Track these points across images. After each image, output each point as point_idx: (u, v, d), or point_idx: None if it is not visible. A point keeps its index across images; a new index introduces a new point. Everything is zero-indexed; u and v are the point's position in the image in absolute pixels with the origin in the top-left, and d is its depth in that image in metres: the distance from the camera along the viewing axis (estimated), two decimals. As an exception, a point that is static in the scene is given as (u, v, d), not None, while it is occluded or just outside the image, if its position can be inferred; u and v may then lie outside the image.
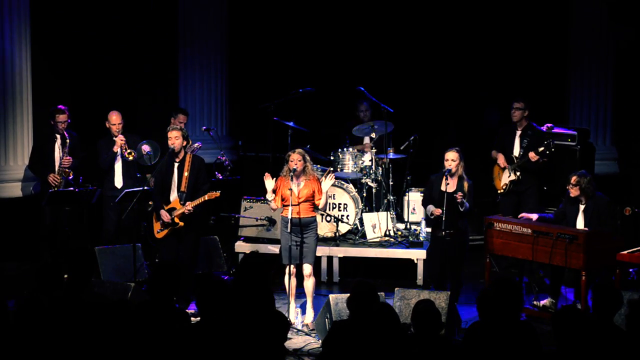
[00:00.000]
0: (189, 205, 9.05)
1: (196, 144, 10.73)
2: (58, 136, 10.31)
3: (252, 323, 5.98)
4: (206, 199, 9.05)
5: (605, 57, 11.96)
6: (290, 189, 8.66)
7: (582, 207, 9.00)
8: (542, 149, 10.10)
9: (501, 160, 10.44)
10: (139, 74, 12.53)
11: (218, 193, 9.05)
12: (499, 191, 10.54)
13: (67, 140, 10.23)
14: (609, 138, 12.11)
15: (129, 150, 10.26)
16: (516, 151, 10.42)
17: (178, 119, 10.67)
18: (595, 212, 8.92)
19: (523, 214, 9.33)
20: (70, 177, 10.24)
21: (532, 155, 10.14)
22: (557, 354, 5.60)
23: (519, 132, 10.44)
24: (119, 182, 10.36)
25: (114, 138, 10.32)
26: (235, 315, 6.09)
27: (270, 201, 8.88)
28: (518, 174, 10.34)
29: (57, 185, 10.17)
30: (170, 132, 9.16)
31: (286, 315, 8.64)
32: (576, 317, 5.62)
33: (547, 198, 10.72)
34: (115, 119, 10.35)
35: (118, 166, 10.38)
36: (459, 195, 8.70)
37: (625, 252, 8.60)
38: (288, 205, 8.63)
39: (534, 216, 9.19)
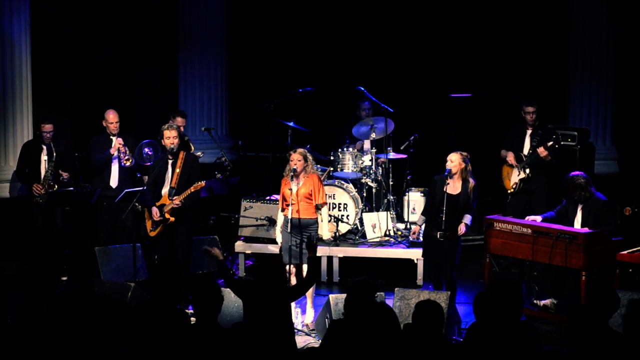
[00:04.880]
0: (177, 200, 9.04)
1: (198, 153, 10.63)
2: (44, 147, 10.17)
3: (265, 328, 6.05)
4: (192, 190, 9.02)
5: (605, 57, 11.95)
6: (290, 189, 8.67)
7: (580, 206, 9.00)
8: (551, 143, 10.09)
9: (511, 158, 10.39)
10: (139, 74, 12.54)
11: (203, 183, 9.04)
12: (509, 191, 10.49)
13: (54, 154, 10.11)
14: (609, 138, 12.10)
15: (127, 157, 10.17)
16: (526, 150, 10.38)
17: (176, 121, 10.54)
18: (593, 212, 8.92)
19: (529, 217, 9.28)
20: (55, 189, 10.09)
21: (540, 150, 10.12)
22: (572, 354, 5.60)
23: (529, 132, 10.41)
24: (114, 181, 10.27)
25: (112, 137, 10.26)
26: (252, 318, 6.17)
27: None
28: (528, 171, 10.32)
29: (40, 195, 10.06)
30: (166, 130, 9.13)
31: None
32: (593, 317, 5.62)
33: (557, 199, 10.70)
34: (112, 118, 10.25)
35: (115, 166, 10.29)
36: (461, 230, 8.70)
37: (625, 252, 8.60)
38: (289, 205, 8.65)
39: (538, 218, 9.18)
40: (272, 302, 6.46)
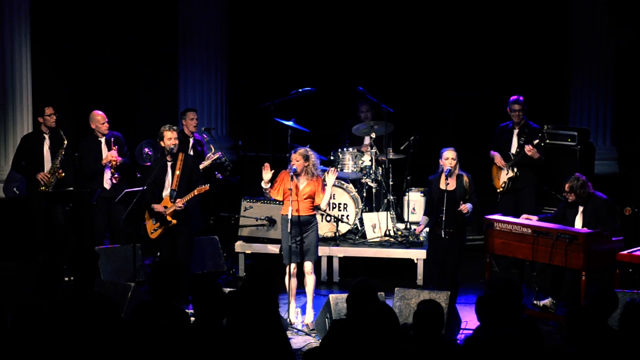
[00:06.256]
0: (180, 202, 9.02)
1: (218, 153, 10.60)
2: (46, 136, 10.16)
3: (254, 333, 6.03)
4: (196, 193, 9.01)
5: (605, 57, 11.95)
6: (290, 189, 8.66)
7: (580, 208, 9.00)
8: (537, 141, 10.13)
9: (498, 159, 10.47)
10: (139, 73, 12.54)
11: (207, 186, 9.02)
12: (498, 190, 10.56)
13: (65, 141, 10.09)
14: (609, 138, 12.10)
15: (116, 175, 10.13)
16: (514, 149, 10.44)
17: (188, 116, 10.60)
18: (594, 212, 8.93)
19: (524, 216, 9.32)
20: (62, 177, 10.08)
21: (528, 149, 10.17)
22: (575, 355, 5.59)
23: (516, 131, 10.46)
24: (107, 183, 10.25)
25: (100, 138, 10.20)
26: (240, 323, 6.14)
27: (265, 189, 8.86)
28: (515, 170, 10.36)
29: (47, 183, 10.03)
30: (167, 131, 9.09)
31: (286, 315, 8.66)
32: (591, 318, 5.62)
33: (545, 197, 10.74)
34: (101, 119, 10.18)
35: (108, 171, 10.22)
36: (464, 208, 8.75)
37: (625, 252, 8.60)
38: (288, 202, 8.63)
39: (534, 218, 9.19)
40: (259, 310, 6.41)
